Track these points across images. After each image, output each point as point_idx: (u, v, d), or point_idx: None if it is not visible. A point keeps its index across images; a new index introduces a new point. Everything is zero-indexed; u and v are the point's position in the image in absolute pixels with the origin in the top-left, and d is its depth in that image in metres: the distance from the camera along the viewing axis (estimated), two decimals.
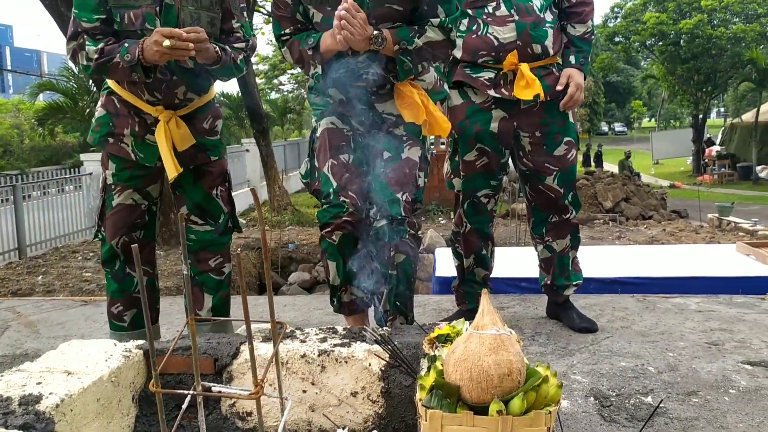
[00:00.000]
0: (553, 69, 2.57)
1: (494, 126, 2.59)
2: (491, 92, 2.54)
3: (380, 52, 2.07)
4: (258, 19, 17.48)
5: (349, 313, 2.32)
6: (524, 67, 2.47)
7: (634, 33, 24.53)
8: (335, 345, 1.83)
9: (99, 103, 2.40)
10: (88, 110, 12.63)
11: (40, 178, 9.07)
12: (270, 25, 19.14)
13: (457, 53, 2.56)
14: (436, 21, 2.10)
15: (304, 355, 1.77)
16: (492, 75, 2.53)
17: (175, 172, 2.26)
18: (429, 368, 1.41)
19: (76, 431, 1.49)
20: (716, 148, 25.46)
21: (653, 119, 51.70)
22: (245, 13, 2.42)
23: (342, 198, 2.13)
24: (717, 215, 10.39)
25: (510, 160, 2.79)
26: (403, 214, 2.11)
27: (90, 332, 2.95)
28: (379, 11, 2.07)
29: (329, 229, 2.19)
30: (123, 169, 2.34)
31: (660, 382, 2.14)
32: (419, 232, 2.22)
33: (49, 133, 14.69)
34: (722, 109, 50.44)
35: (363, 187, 2.18)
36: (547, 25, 2.52)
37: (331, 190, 2.16)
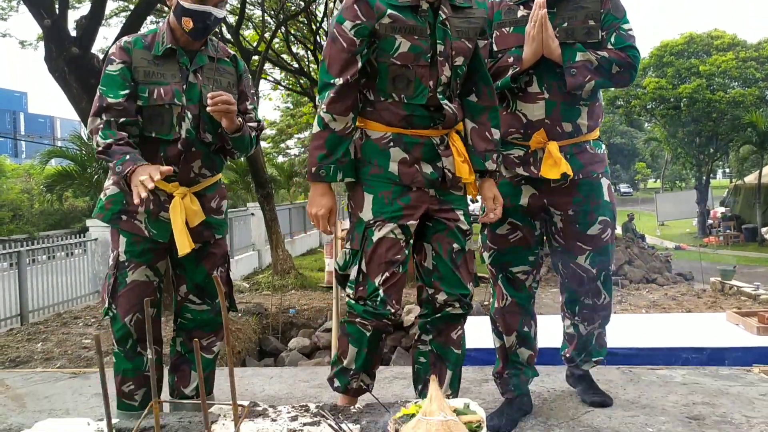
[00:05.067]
0: (587, 146, 2.46)
1: (524, 201, 2.49)
2: (519, 170, 2.46)
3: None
4: (265, 85, 18.05)
5: (354, 395, 2.30)
6: (552, 146, 2.37)
7: (634, 97, 24.93)
8: (305, 424, 1.87)
9: (111, 181, 2.40)
10: (96, 176, 12.90)
11: (47, 242, 9.20)
12: (276, 91, 19.71)
13: None
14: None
15: None
16: (522, 153, 2.46)
17: (188, 247, 2.28)
18: None
19: None
20: (721, 209, 25.50)
21: (659, 180, 51.98)
22: (255, 98, 2.56)
23: (388, 307, 2.17)
24: (720, 279, 10.35)
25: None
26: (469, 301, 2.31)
27: (75, 406, 2.97)
28: (457, 44, 2.18)
29: (366, 322, 2.19)
30: (134, 243, 2.35)
31: None
32: None
33: (58, 198, 14.95)
34: (728, 170, 50.67)
35: (403, 290, 2.28)
36: (582, 102, 2.41)
37: (378, 298, 2.17)
